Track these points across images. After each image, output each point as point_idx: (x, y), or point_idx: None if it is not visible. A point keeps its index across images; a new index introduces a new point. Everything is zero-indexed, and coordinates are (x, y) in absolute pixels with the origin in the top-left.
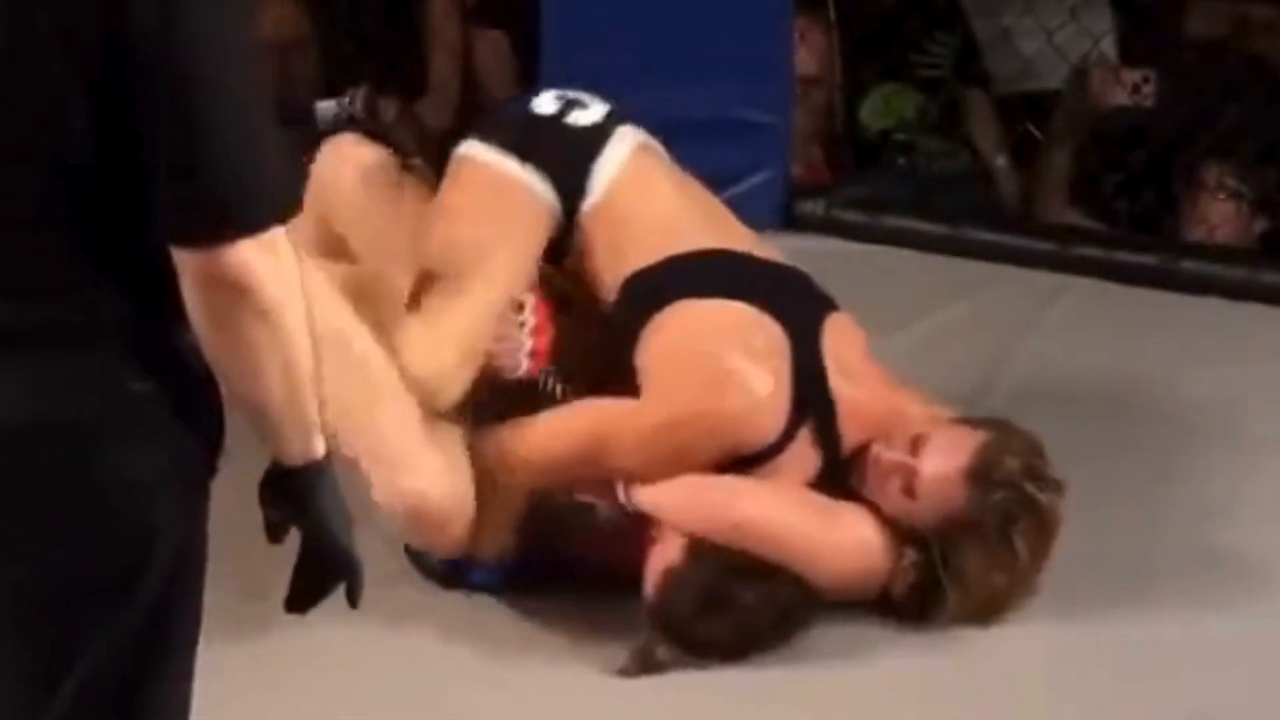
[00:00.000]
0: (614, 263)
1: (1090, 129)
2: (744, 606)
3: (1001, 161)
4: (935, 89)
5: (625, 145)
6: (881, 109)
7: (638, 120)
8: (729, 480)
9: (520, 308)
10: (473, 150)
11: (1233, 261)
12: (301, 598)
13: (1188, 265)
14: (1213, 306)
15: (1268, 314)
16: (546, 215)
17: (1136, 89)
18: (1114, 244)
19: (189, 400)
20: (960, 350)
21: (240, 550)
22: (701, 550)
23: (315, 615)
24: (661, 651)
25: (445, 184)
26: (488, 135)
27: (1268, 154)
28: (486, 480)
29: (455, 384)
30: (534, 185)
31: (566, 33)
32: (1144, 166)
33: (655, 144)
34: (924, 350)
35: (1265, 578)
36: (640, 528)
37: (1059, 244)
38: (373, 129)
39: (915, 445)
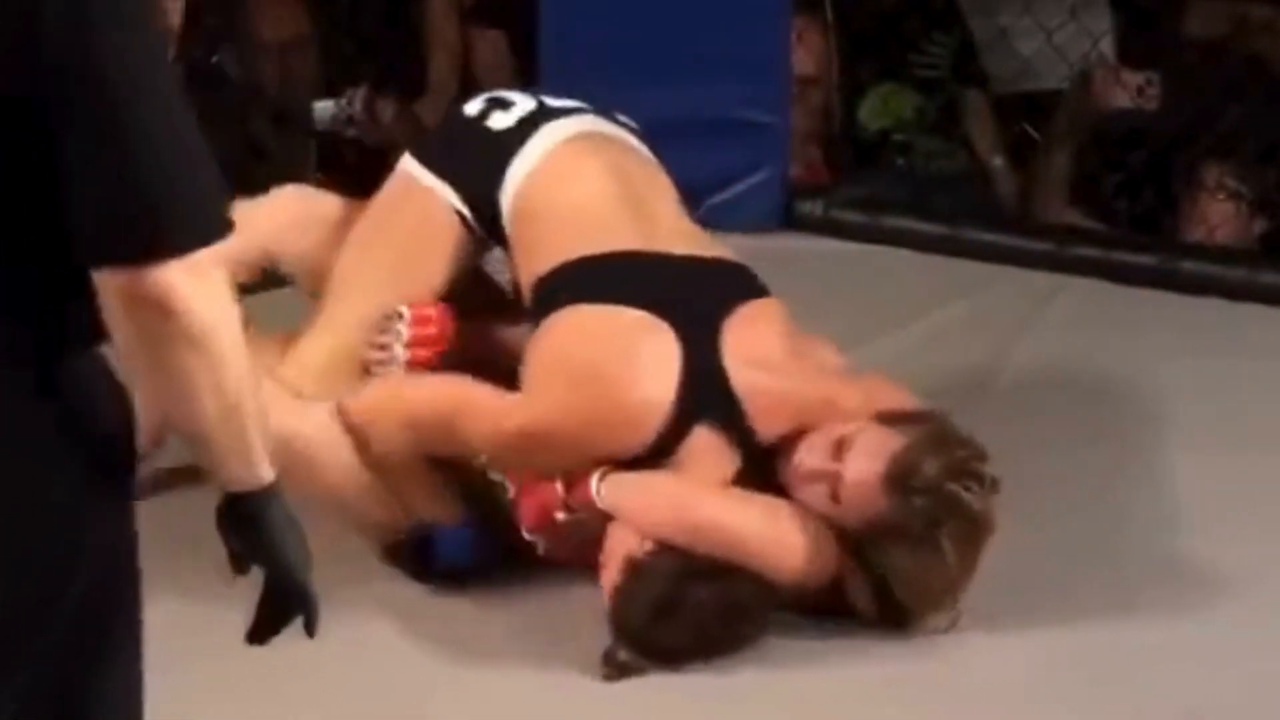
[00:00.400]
0: (529, 265)
1: (1090, 129)
2: (699, 607)
3: (999, 161)
4: (933, 89)
5: (541, 146)
6: (880, 109)
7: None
8: (686, 482)
9: (399, 317)
10: (402, 161)
11: (1232, 262)
12: (260, 629)
13: (1187, 265)
14: (1212, 307)
15: (1267, 314)
16: (454, 225)
17: (1140, 91)
18: (1112, 244)
19: (97, 419)
20: (958, 350)
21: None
22: (655, 555)
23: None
24: (624, 655)
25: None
26: (415, 145)
27: (1267, 154)
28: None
29: (321, 394)
30: (443, 195)
31: (565, 33)
32: (1144, 167)
33: (602, 132)
34: (922, 350)
35: (1262, 578)
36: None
37: (1057, 244)
38: (371, 129)
39: (838, 449)
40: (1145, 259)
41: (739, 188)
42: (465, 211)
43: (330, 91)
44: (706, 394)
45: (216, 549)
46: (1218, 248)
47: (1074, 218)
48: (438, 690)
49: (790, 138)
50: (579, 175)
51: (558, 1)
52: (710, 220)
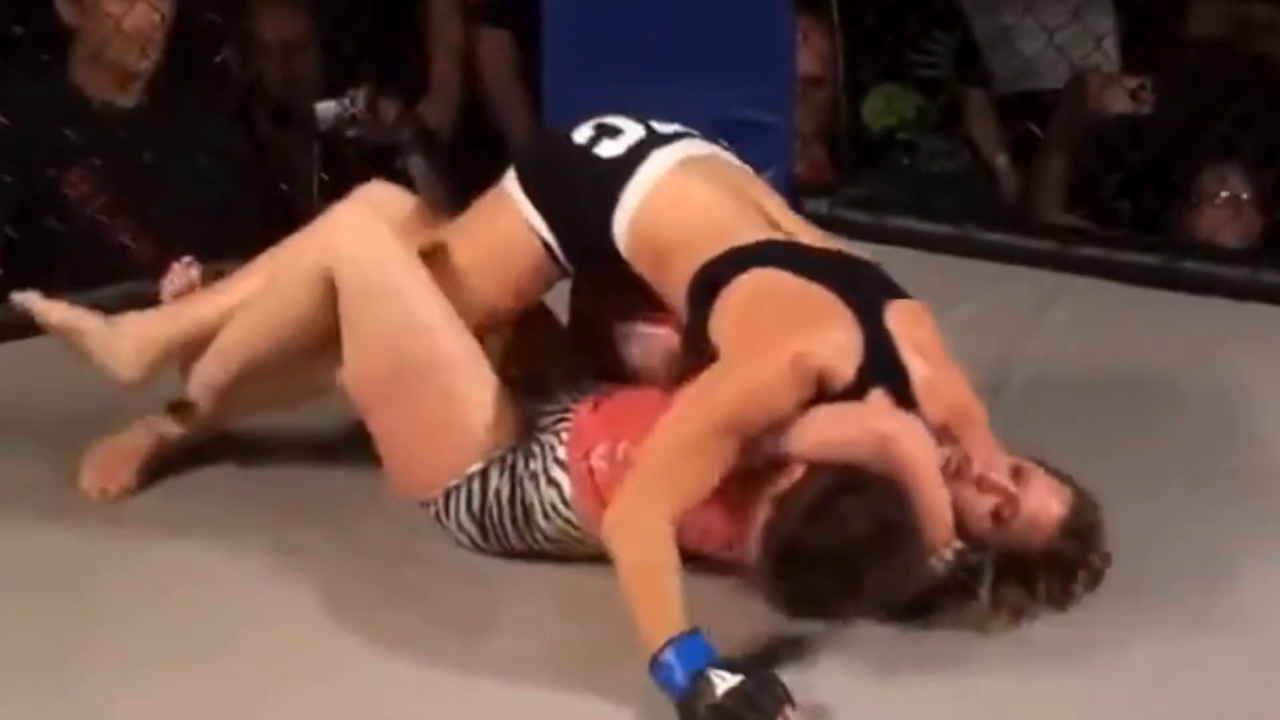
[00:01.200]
0: (671, 275)
1: (1090, 133)
2: (853, 514)
3: (1002, 160)
4: (935, 89)
5: (653, 172)
6: (884, 109)
7: (675, 121)
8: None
9: None
10: (505, 179)
11: (1234, 261)
12: None
13: (1190, 265)
14: (1215, 306)
15: (1270, 313)
16: (535, 251)
17: (1135, 96)
18: (1116, 244)
19: None
20: (963, 350)
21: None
22: (815, 470)
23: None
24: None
25: None
26: (520, 165)
27: (1269, 155)
28: None
29: None
30: (531, 220)
31: (569, 32)
32: (1144, 168)
33: (700, 149)
34: None
35: (1265, 575)
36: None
37: (1062, 244)
38: (373, 129)
39: (1016, 475)
40: (1149, 258)
41: None
42: (551, 240)
43: (332, 92)
44: (883, 359)
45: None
46: (1220, 247)
47: (1071, 222)
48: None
49: (795, 137)
50: (696, 192)
51: (561, 1)
52: None
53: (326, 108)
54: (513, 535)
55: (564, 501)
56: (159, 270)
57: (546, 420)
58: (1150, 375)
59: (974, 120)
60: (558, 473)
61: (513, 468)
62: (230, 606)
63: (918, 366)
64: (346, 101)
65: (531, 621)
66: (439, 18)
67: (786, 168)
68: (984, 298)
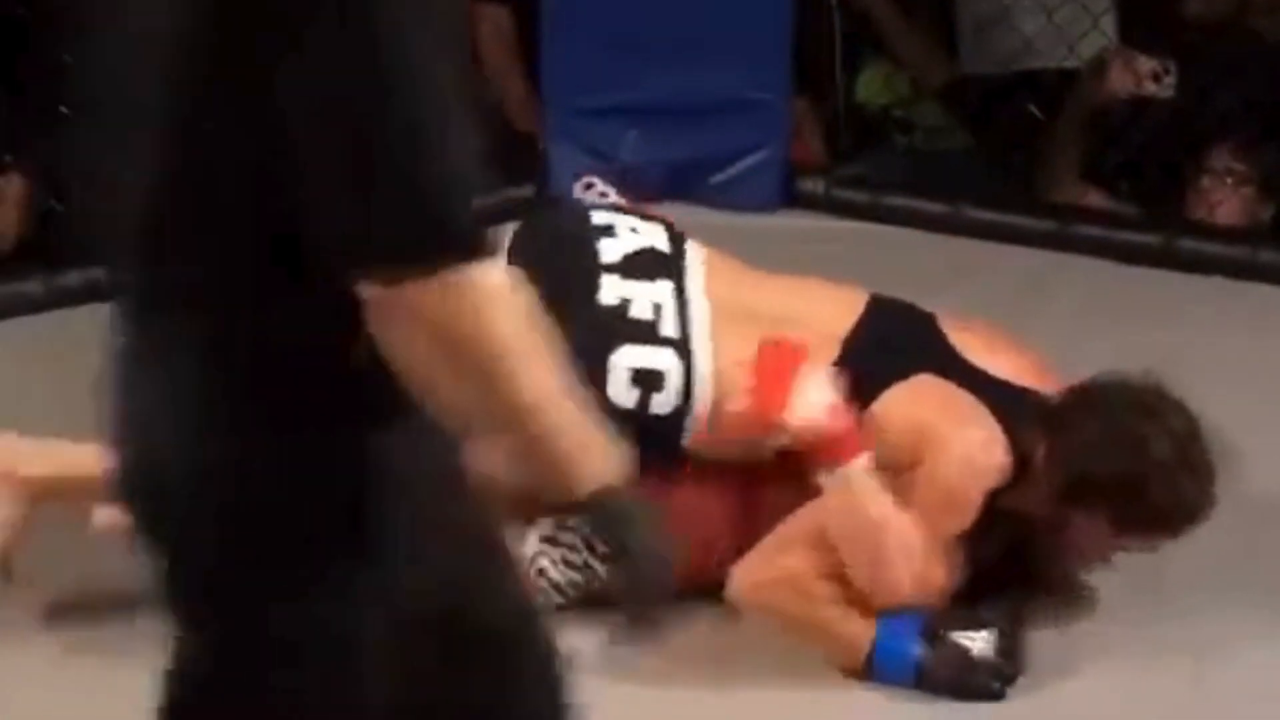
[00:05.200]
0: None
1: (1104, 113)
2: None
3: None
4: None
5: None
6: (880, 87)
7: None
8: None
9: None
10: None
11: (1235, 241)
12: (637, 619)
13: (1189, 244)
14: (1215, 286)
15: (1269, 293)
16: None
17: (1156, 79)
18: (1115, 223)
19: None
20: None
21: None
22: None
23: None
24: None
25: None
26: None
27: (1272, 135)
28: None
29: None
30: None
31: (567, 11)
32: (1149, 148)
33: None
34: None
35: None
36: None
37: (1060, 223)
38: None
39: None
40: (1148, 237)
41: (740, 167)
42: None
43: None
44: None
45: None
46: (1220, 227)
47: (1089, 197)
48: None
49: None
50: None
51: None
52: (712, 199)
53: None
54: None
55: None
56: None
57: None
58: (1148, 354)
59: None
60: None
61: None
62: None
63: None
64: None
65: None
66: None
67: (783, 147)
68: (982, 277)
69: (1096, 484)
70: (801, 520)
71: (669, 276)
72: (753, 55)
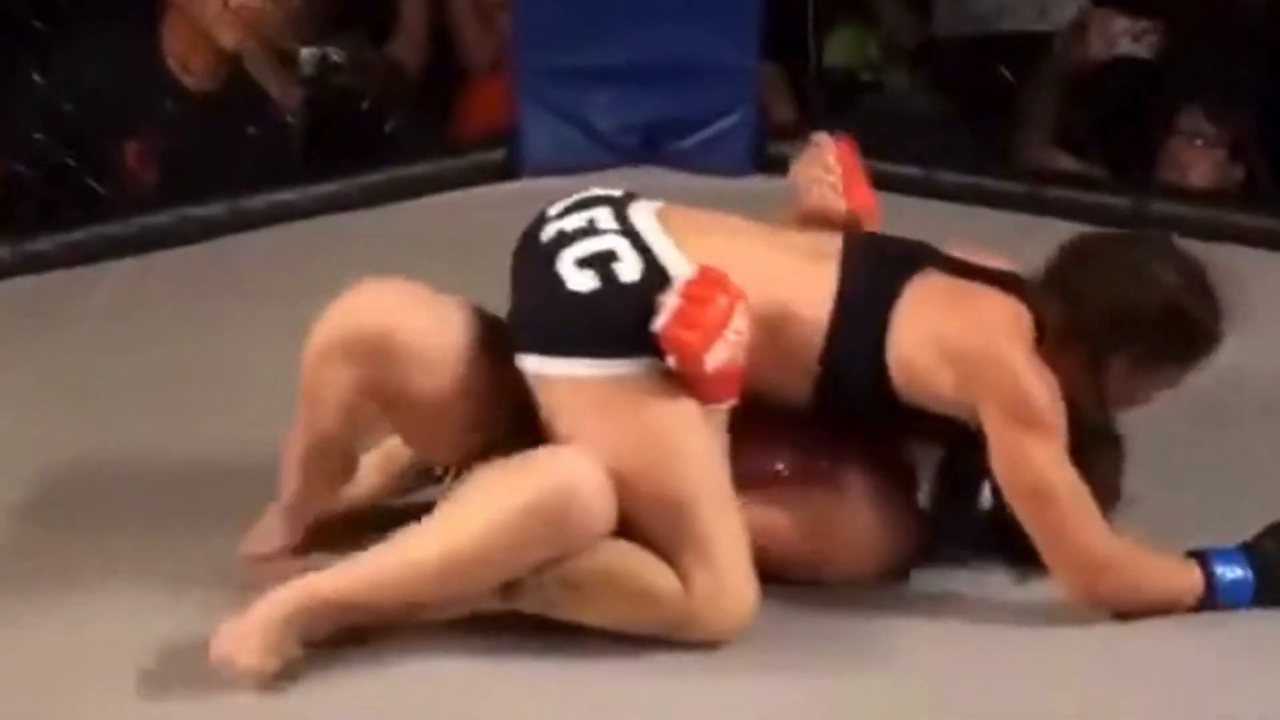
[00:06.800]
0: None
1: (1083, 74)
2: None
3: None
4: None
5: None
6: (852, 47)
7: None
8: None
9: None
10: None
11: (1206, 203)
12: None
13: (1161, 207)
14: (1186, 247)
15: (1239, 255)
16: None
17: (1137, 38)
18: (1087, 185)
19: None
20: None
21: None
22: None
23: None
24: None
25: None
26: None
27: (1245, 99)
28: None
29: None
30: None
31: None
32: (1121, 110)
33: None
34: None
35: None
36: None
37: (1032, 185)
38: (359, 78)
39: None
40: (1119, 200)
41: (712, 130)
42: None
43: (317, 39)
44: None
45: None
46: (1192, 189)
47: (1060, 161)
48: None
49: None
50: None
51: None
52: (683, 162)
53: (309, 55)
54: None
55: None
56: None
57: None
58: None
59: None
60: None
61: None
62: None
63: None
64: (330, 49)
65: None
66: None
67: (754, 111)
68: (953, 240)
69: (1136, 315)
70: (1046, 521)
71: (608, 204)
72: (724, 18)
